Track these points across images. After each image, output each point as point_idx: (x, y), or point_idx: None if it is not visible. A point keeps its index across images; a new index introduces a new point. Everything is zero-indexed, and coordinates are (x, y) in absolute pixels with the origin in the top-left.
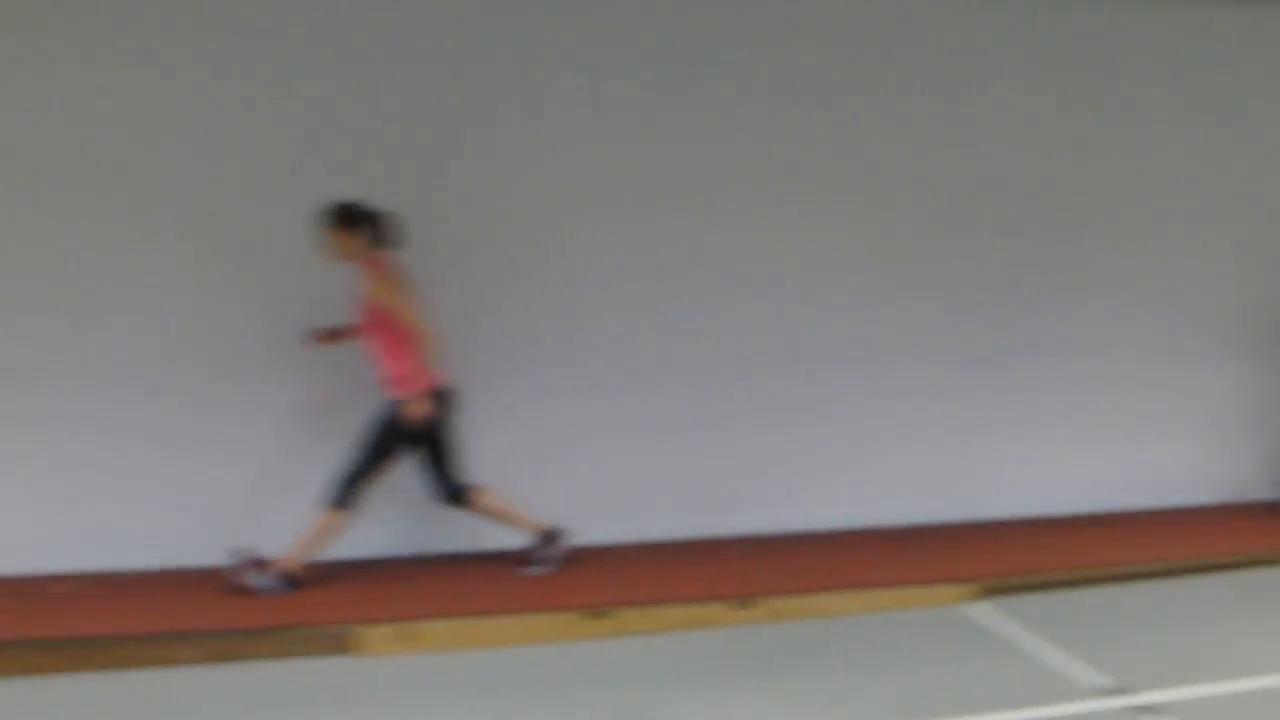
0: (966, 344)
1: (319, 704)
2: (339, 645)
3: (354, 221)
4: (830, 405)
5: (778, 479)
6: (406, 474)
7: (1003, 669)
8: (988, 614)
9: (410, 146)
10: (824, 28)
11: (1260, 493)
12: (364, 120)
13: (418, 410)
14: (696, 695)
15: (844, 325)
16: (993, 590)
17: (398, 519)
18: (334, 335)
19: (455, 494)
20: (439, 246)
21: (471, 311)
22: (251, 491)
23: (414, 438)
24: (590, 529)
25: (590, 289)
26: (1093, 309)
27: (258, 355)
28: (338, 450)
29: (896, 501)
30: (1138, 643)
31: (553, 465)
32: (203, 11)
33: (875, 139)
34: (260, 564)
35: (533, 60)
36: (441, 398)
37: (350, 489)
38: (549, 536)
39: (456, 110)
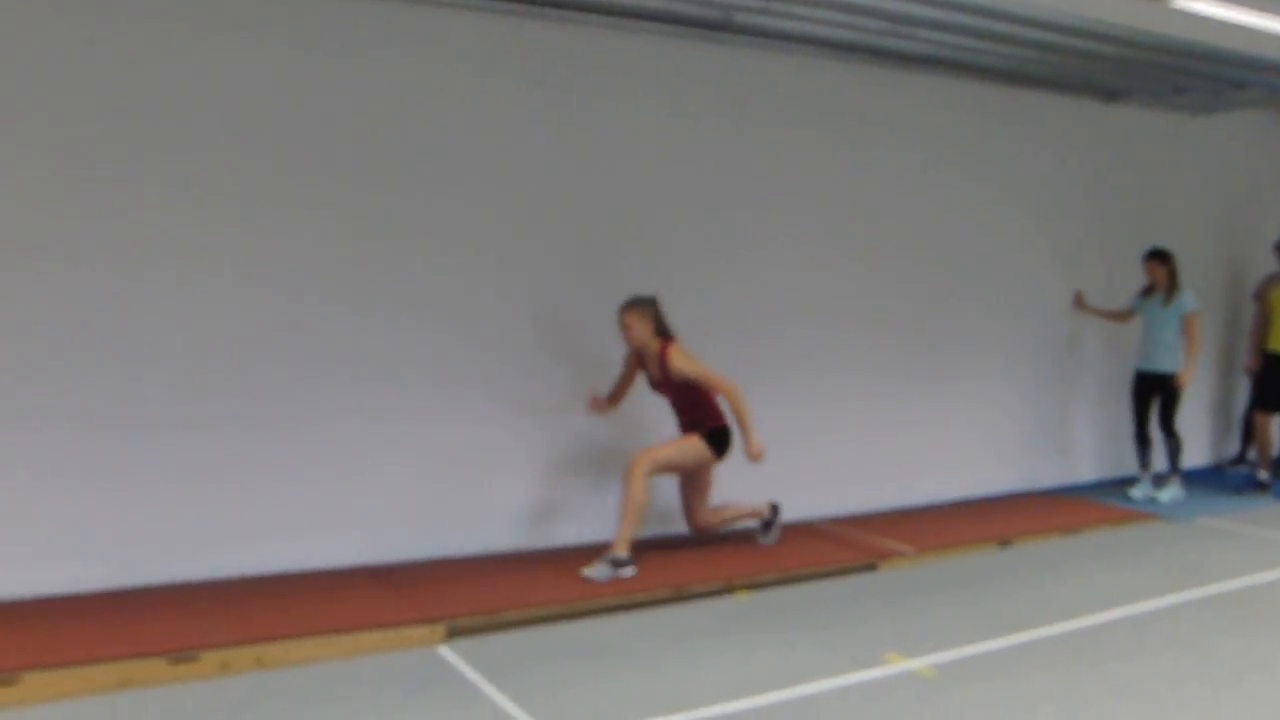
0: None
1: None
2: None
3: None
4: (308, 451)
5: (255, 518)
6: None
7: (445, 716)
8: (450, 657)
9: None
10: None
11: None
12: None
13: None
14: None
15: (312, 352)
16: (458, 631)
17: None
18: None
19: None
20: None
21: None
22: None
23: None
24: (16, 581)
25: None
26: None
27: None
28: None
29: (371, 539)
30: (579, 682)
31: None
32: None
33: None
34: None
35: None
36: None
37: None
38: None
39: None
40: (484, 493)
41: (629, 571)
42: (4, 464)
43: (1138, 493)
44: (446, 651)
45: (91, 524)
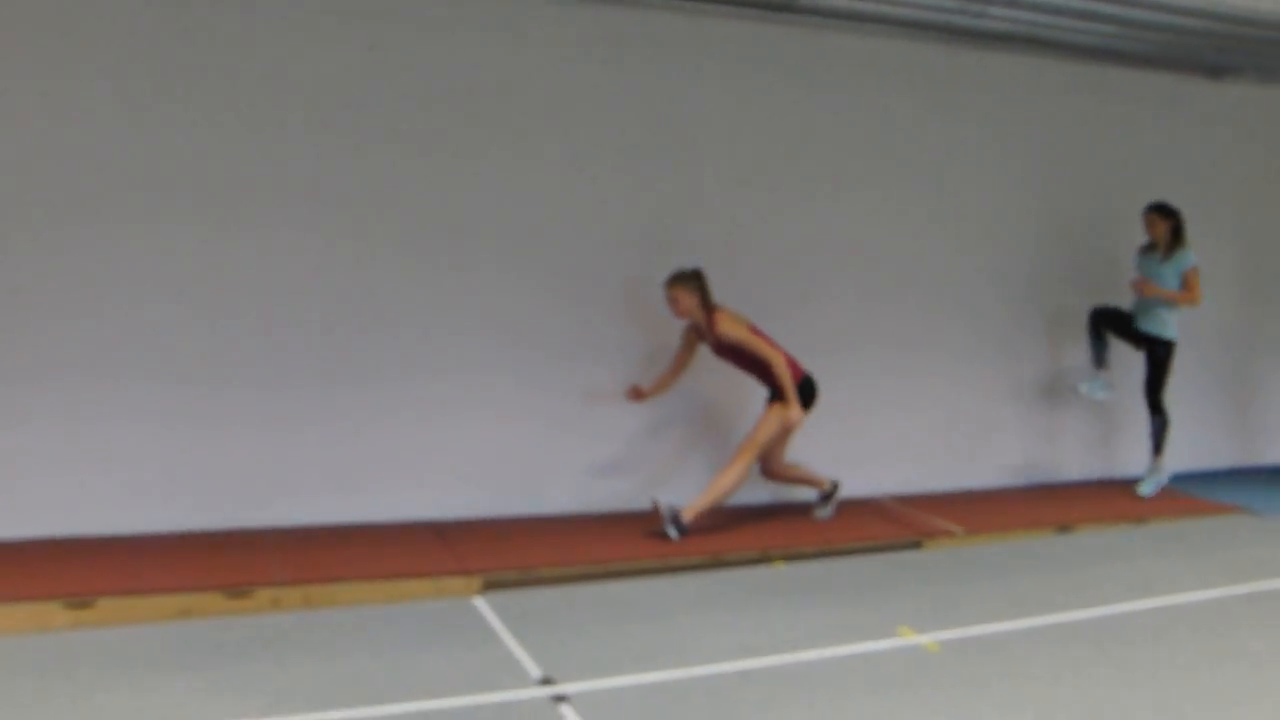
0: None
1: None
2: None
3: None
4: (377, 409)
5: (323, 472)
6: None
7: (461, 661)
8: (482, 608)
9: None
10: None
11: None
12: None
13: None
14: (127, 686)
15: (386, 317)
16: (494, 585)
17: None
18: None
19: None
20: None
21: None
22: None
23: None
24: (105, 520)
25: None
26: None
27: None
28: None
29: (434, 498)
30: (594, 636)
31: (75, 454)
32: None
33: None
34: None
35: None
36: None
37: None
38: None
39: None
40: (548, 457)
41: (674, 535)
42: (102, 414)
43: (1085, 388)
44: (480, 603)
45: (176, 472)
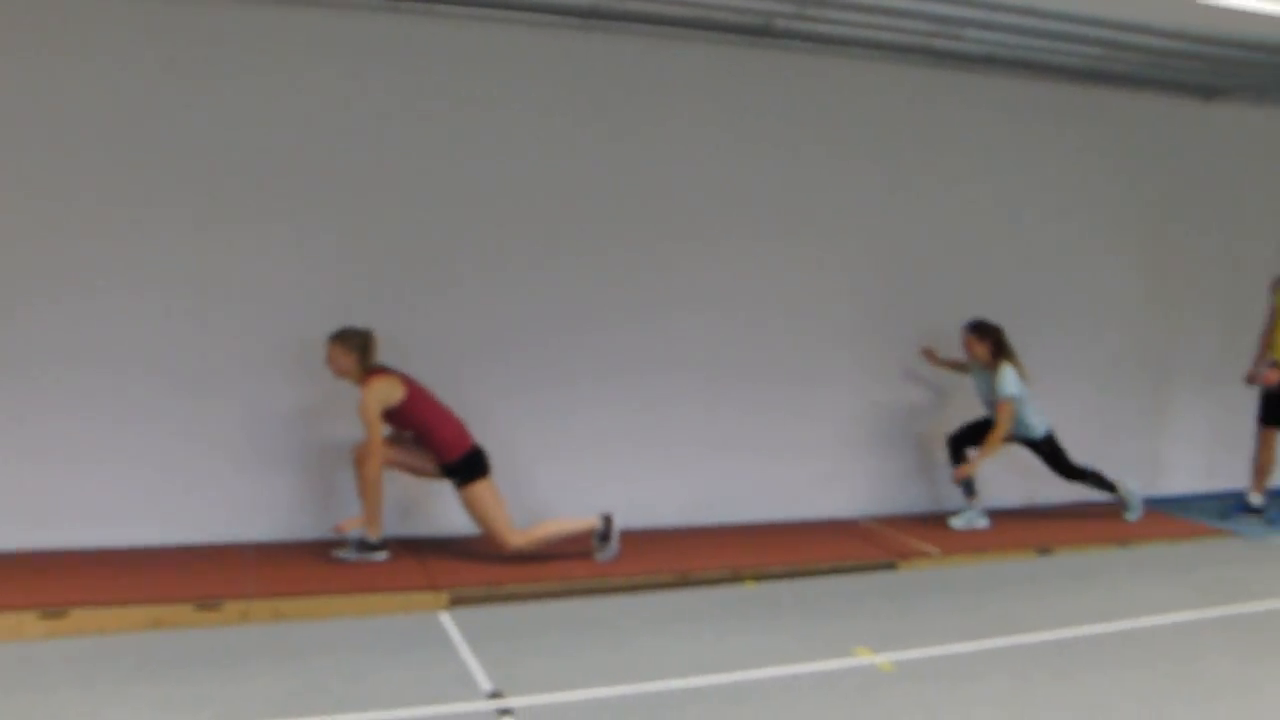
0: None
1: None
2: None
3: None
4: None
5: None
6: None
7: (417, 674)
8: (447, 623)
9: None
10: None
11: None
12: None
13: None
14: (90, 695)
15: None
16: (461, 600)
17: None
18: None
19: None
20: None
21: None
22: None
23: None
24: (95, 534)
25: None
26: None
27: None
28: None
29: (410, 516)
30: (550, 652)
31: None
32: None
33: None
34: None
35: None
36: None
37: None
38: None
39: None
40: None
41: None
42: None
43: (960, 522)
44: (446, 618)
45: (156, 491)
